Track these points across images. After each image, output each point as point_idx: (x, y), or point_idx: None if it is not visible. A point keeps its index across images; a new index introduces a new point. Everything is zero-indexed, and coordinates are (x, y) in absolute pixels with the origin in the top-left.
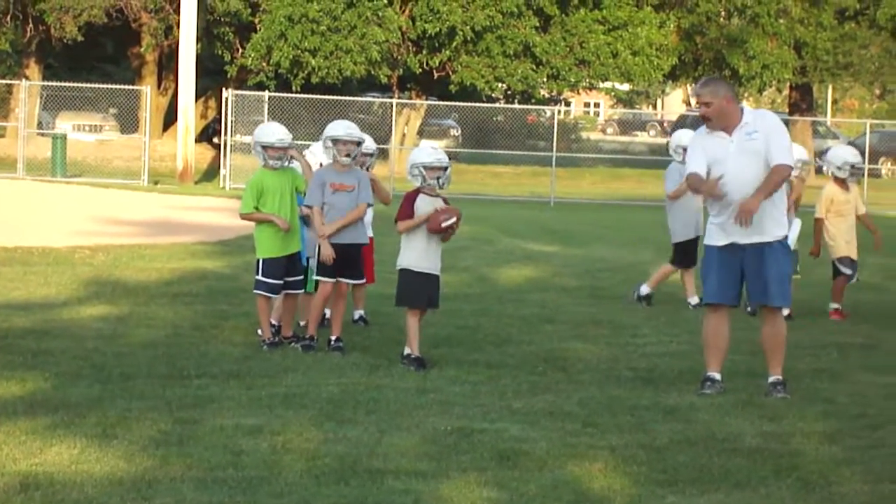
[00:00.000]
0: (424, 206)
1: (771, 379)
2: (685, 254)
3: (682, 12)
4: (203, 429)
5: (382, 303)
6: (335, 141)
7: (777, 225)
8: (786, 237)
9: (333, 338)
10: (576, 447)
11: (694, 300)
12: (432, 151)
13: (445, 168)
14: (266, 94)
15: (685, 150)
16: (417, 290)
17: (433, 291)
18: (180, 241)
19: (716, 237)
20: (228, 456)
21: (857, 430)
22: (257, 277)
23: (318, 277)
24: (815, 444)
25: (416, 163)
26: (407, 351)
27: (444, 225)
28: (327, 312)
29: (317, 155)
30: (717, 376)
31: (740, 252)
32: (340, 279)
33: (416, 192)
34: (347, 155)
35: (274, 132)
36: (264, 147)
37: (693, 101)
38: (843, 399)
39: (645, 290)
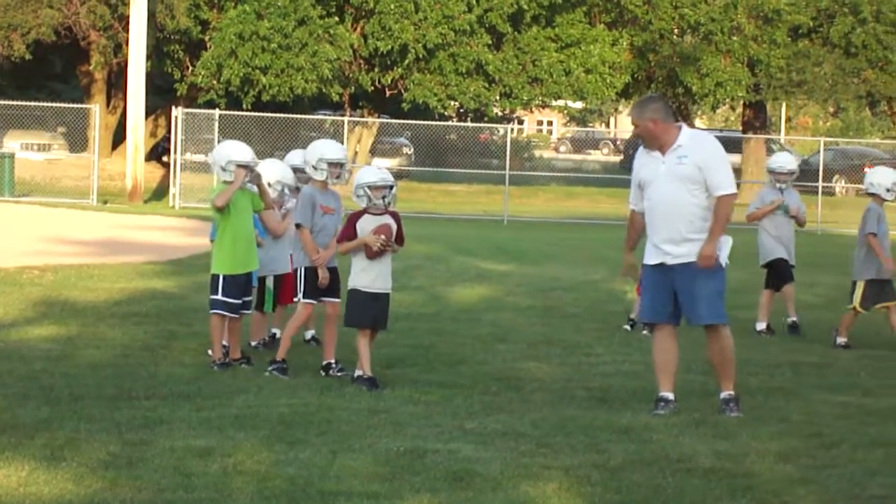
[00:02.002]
0: (368, 226)
1: (723, 395)
2: (779, 272)
3: (635, 30)
4: (153, 450)
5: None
6: (330, 163)
7: (703, 245)
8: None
9: (333, 361)
10: (529, 468)
11: (761, 325)
12: (377, 171)
13: (391, 187)
14: (216, 112)
15: (772, 173)
16: (363, 310)
17: (380, 312)
18: (129, 260)
19: (649, 256)
20: (178, 478)
21: (811, 450)
22: (215, 297)
23: (305, 300)
24: (770, 464)
25: (361, 183)
26: (358, 372)
27: (374, 249)
28: (277, 332)
29: (268, 173)
30: (670, 396)
31: (670, 272)
32: (323, 300)
33: (362, 212)
34: (338, 176)
35: (242, 150)
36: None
37: None
38: (798, 418)
39: (761, 325)
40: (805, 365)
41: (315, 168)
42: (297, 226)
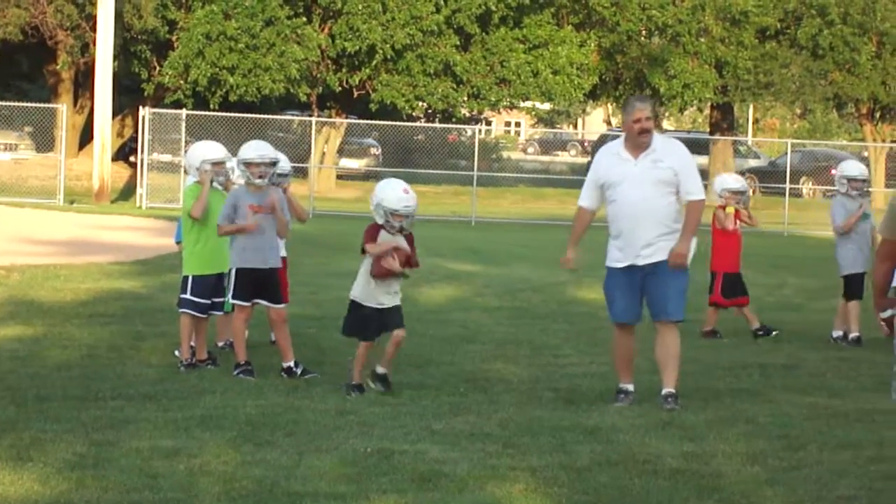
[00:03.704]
0: (387, 240)
1: (664, 392)
2: (852, 287)
3: (603, 31)
4: (119, 451)
5: (300, 323)
6: (248, 164)
7: (672, 244)
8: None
9: (292, 364)
10: (497, 468)
11: (837, 334)
12: (403, 197)
13: (409, 215)
14: (184, 112)
15: (849, 180)
16: (365, 322)
17: (387, 320)
18: (96, 260)
19: (616, 259)
20: (144, 478)
21: (778, 451)
22: (184, 296)
23: (234, 301)
24: (737, 465)
25: (383, 205)
26: (355, 380)
27: (385, 268)
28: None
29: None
30: (630, 387)
31: (639, 272)
32: (259, 302)
33: (379, 227)
34: (261, 176)
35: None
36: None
37: (630, 117)
38: (765, 419)
39: (837, 333)
40: (772, 366)
41: (241, 171)
42: (218, 225)
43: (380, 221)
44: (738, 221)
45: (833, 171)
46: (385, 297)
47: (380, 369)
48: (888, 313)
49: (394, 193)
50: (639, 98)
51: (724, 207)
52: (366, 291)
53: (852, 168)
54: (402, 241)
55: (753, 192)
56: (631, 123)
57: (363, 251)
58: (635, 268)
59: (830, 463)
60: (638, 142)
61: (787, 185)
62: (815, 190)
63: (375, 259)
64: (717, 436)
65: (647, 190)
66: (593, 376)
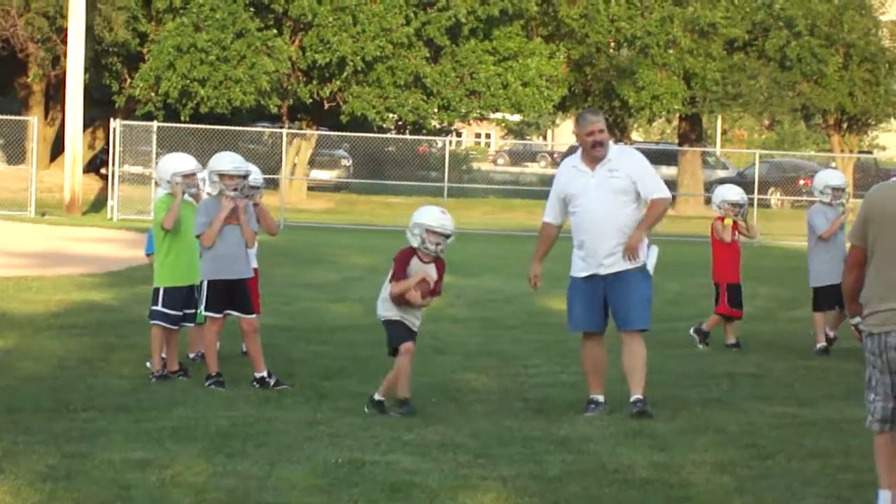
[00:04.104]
0: (416, 270)
1: (632, 399)
2: (821, 298)
3: (572, 43)
4: (91, 463)
5: (271, 335)
6: (221, 175)
7: (635, 252)
8: (644, 264)
9: (265, 374)
10: (468, 478)
11: (820, 345)
12: (440, 216)
13: (447, 236)
14: (155, 124)
15: (833, 189)
16: (403, 331)
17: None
18: (68, 272)
19: (578, 269)
20: (116, 490)
21: (747, 460)
22: (156, 308)
23: (206, 313)
24: (706, 474)
25: (420, 223)
26: (378, 396)
27: (408, 298)
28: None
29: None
30: (601, 398)
31: (602, 282)
32: (231, 313)
33: (411, 252)
34: (235, 189)
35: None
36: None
37: (583, 130)
38: (734, 429)
39: (820, 345)
40: (741, 376)
41: (212, 182)
42: (197, 236)
43: (414, 243)
44: (736, 233)
45: (801, 182)
46: (410, 315)
47: (399, 393)
48: (857, 320)
49: (431, 212)
50: (591, 111)
51: (722, 219)
52: (392, 311)
53: (835, 177)
54: (430, 271)
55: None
56: (584, 137)
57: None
58: (597, 277)
59: (799, 472)
60: (593, 154)
61: (756, 196)
62: (783, 200)
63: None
64: (686, 445)
65: (606, 200)
66: (564, 386)
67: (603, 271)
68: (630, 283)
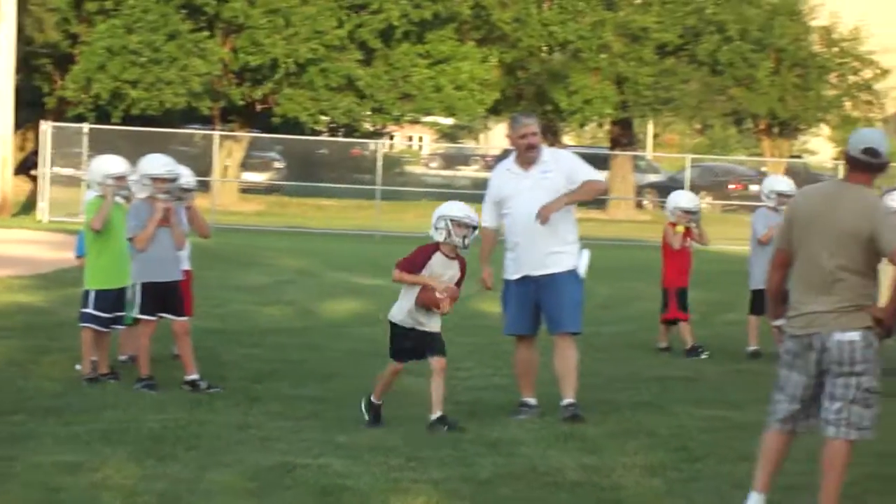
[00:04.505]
0: (438, 266)
1: (564, 402)
2: (757, 301)
3: (505, 47)
4: (20, 466)
5: (203, 337)
6: (152, 178)
7: (566, 256)
8: (575, 267)
9: (196, 376)
10: (399, 482)
11: (751, 348)
12: (463, 206)
13: (474, 227)
14: (86, 126)
15: (779, 195)
16: (403, 343)
17: (427, 344)
18: None
19: (511, 271)
20: (46, 493)
21: (677, 463)
22: (86, 310)
23: (140, 315)
24: (637, 477)
25: (444, 215)
26: (373, 399)
27: (434, 303)
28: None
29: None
30: (532, 401)
31: (533, 284)
32: (164, 316)
33: (435, 247)
34: (166, 192)
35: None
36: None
37: (517, 133)
38: (664, 432)
39: (752, 348)
40: (672, 379)
41: (143, 185)
42: (130, 239)
43: (440, 238)
44: (688, 239)
45: (731, 186)
46: (424, 317)
47: (434, 413)
48: (781, 322)
49: (456, 204)
50: (524, 114)
51: (674, 225)
52: (403, 312)
53: (782, 183)
54: (453, 269)
55: (652, 207)
56: (518, 139)
57: (396, 264)
58: (529, 279)
59: (729, 475)
60: (526, 157)
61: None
62: (714, 205)
63: (424, 288)
64: (616, 448)
65: (540, 202)
66: (495, 389)
67: (535, 273)
68: (562, 287)
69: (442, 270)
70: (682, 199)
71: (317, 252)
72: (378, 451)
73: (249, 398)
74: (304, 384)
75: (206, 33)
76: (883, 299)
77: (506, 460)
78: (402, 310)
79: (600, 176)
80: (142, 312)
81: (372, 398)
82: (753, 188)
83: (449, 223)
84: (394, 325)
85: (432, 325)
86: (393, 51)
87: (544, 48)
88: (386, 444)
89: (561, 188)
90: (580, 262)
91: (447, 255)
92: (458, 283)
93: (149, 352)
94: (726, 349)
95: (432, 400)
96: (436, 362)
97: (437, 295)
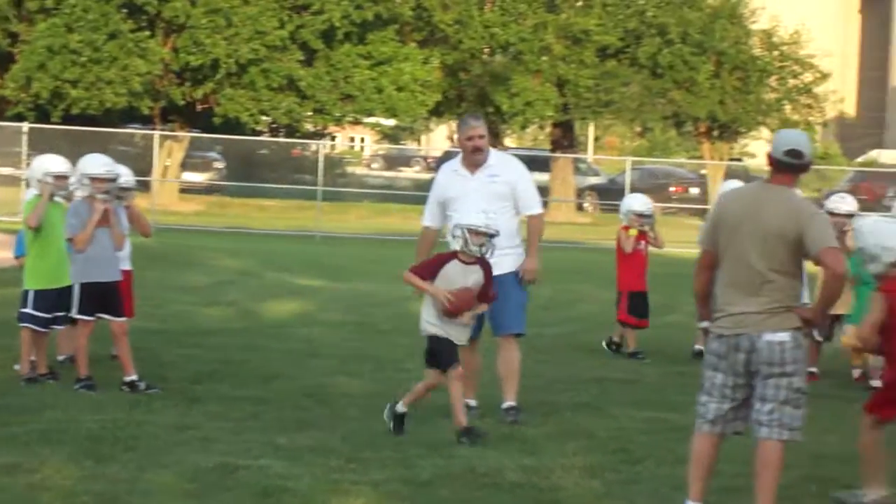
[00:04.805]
0: (456, 274)
1: (504, 405)
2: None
3: (447, 49)
4: None
5: (142, 338)
6: (92, 178)
7: (511, 258)
8: (519, 269)
9: (135, 377)
10: (339, 483)
11: (697, 347)
12: (481, 215)
13: (493, 235)
14: (25, 125)
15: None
16: (452, 353)
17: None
18: None
19: None
20: None
21: (616, 465)
22: (25, 310)
23: (78, 316)
24: (576, 479)
25: (462, 224)
26: (459, 424)
27: (464, 322)
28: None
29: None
30: (473, 402)
31: None
32: (102, 316)
33: (452, 255)
34: (106, 192)
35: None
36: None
37: (464, 135)
38: (603, 433)
39: (698, 347)
40: (611, 381)
41: (82, 185)
42: (69, 240)
43: (457, 246)
44: (643, 242)
45: (672, 189)
46: (454, 330)
47: (460, 424)
48: (705, 324)
49: (474, 214)
50: (472, 116)
51: (627, 228)
52: (435, 326)
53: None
54: (474, 275)
55: (593, 209)
56: (465, 141)
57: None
58: None
59: (668, 477)
60: (473, 159)
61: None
62: (654, 207)
63: (456, 304)
64: (556, 450)
65: (484, 204)
66: (436, 390)
67: None
68: (506, 288)
69: (459, 278)
70: (635, 202)
71: (257, 252)
72: (318, 453)
73: (189, 399)
74: (245, 385)
75: (146, 33)
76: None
77: (446, 462)
78: (431, 322)
79: (540, 205)
80: (80, 313)
81: (397, 409)
82: (693, 191)
83: (465, 231)
84: (432, 338)
85: (459, 336)
86: (334, 52)
87: (486, 50)
88: (326, 446)
89: (507, 196)
90: (524, 263)
91: (465, 262)
92: (485, 289)
93: (87, 352)
94: (666, 351)
95: (453, 411)
96: (451, 370)
97: (441, 299)
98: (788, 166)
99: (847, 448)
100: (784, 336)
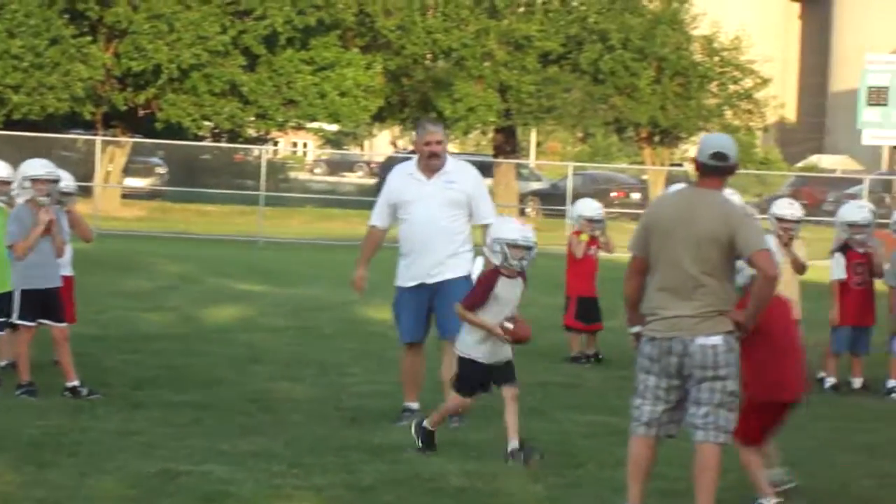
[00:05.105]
0: (504, 290)
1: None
2: None
3: (389, 54)
4: None
5: (84, 343)
6: (33, 180)
7: (461, 262)
8: (469, 273)
9: (77, 383)
10: (281, 488)
11: None
12: (519, 227)
13: (531, 248)
14: None
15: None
16: (476, 379)
17: (496, 375)
18: None
19: (405, 278)
20: None
21: (559, 469)
22: None
23: (19, 321)
24: (519, 483)
25: (499, 238)
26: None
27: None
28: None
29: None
30: (415, 406)
31: (427, 291)
32: (44, 322)
33: (495, 273)
34: (47, 194)
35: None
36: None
37: (421, 140)
38: (546, 437)
39: None
40: (554, 385)
41: (24, 188)
42: (9, 247)
43: (497, 261)
44: (594, 248)
45: (613, 194)
46: (491, 348)
47: (512, 443)
48: (637, 329)
49: (510, 225)
50: (430, 121)
51: (578, 233)
52: (472, 348)
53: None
54: (519, 288)
55: (535, 215)
56: (422, 146)
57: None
58: (424, 286)
59: (609, 480)
60: (429, 164)
61: (569, 208)
62: None
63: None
64: (499, 454)
65: (439, 210)
66: (380, 395)
67: (430, 280)
68: (455, 292)
69: (507, 293)
70: (586, 207)
71: (199, 258)
72: (261, 458)
73: (131, 404)
74: (186, 390)
75: (88, 38)
76: (797, 309)
77: (389, 467)
78: (469, 343)
79: (494, 215)
80: (21, 318)
81: (426, 424)
82: (635, 196)
83: (504, 247)
84: (467, 361)
85: (506, 351)
86: (277, 57)
87: (428, 56)
88: (269, 451)
89: (462, 204)
90: (474, 268)
91: (509, 276)
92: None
93: (28, 358)
94: (608, 356)
95: (508, 429)
96: (507, 391)
97: (498, 334)
98: (714, 169)
99: (790, 452)
100: (717, 340)
